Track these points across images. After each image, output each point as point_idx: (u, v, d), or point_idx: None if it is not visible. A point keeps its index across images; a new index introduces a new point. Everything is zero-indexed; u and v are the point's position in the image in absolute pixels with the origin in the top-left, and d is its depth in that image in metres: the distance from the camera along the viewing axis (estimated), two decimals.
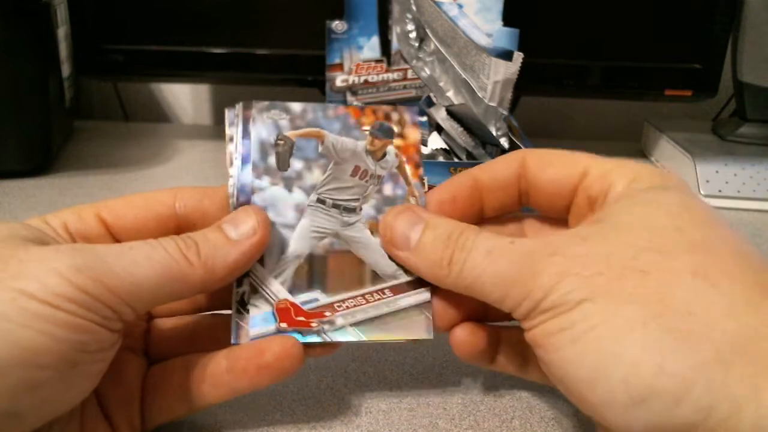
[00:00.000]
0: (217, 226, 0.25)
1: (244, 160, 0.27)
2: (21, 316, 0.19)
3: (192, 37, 0.60)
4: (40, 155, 0.55)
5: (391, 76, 0.57)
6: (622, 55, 0.59)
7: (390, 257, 0.26)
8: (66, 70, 0.59)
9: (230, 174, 0.27)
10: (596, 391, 0.20)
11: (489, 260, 0.23)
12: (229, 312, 0.26)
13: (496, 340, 0.27)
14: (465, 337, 0.26)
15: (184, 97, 0.80)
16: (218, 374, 0.25)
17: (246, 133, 0.28)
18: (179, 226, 0.26)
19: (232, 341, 0.25)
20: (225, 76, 0.63)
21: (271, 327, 0.25)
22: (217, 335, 0.26)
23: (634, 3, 0.58)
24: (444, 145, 0.46)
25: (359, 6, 0.56)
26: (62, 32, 0.57)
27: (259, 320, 0.25)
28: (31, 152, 0.54)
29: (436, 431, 0.27)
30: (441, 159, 0.44)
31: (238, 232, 0.24)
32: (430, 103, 0.48)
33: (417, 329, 0.26)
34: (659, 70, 0.59)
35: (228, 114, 0.28)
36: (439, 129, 0.47)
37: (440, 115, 0.46)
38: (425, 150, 0.46)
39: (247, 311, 0.25)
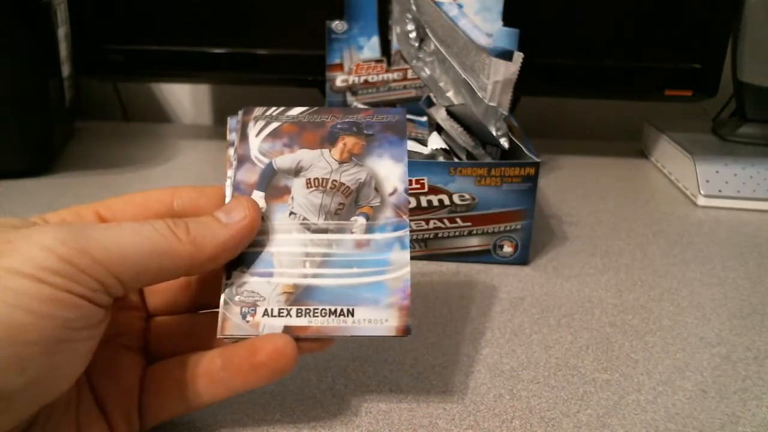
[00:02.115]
0: (210, 214, 0.25)
1: (242, 161, 0.28)
2: (4, 294, 0.19)
3: (192, 37, 0.60)
4: (41, 155, 0.55)
5: (391, 76, 0.58)
6: (622, 55, 0.60)
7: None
8: (66, 70, 0.59)
9: (228, 176, 0.28)
10: None
11: None
12: None
13: None
14: None
15: (184, 97, 0.80)
16: (214, 372, 0.25)
17: (244, 136, 0.29)
18: None
19: (218, 334, 0.25)
20: (225, 76, 0.63)
21: (258, 320, 0.25)
22: (216, 333, 0.27)
23: (634, 3, 0.58)
24: (444, 145, 0.46)
25: (359, 6, 0.56)
26: (62, 32, 0.57)
27: (246, 313, 0.25)
28: (32, 152, 0.54)
29: (436, 431, 0.27)
30: (441, 159, 0.44)
31: (229, 218, 0.25)
32: (430, 103, 0.48)
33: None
34: (659, 70, 0.59)
35: (229, 121, 0.29)
36: (439, 129, 0.47)
37: (440, 115, 0.46)
38: (425, 150, 0.46)
39: (236, 304, 0.25)
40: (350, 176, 0.28)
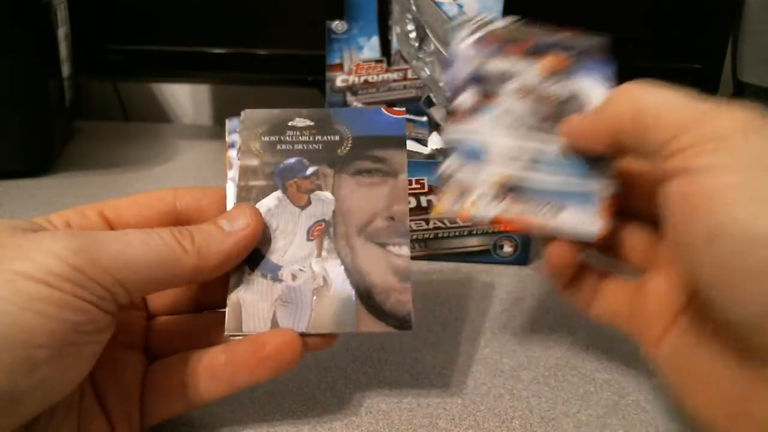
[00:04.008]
0: (212, 221, 0.25)
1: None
2: (17, 298, 0.19)
3: (192, 37, 0.60)
4: (41, 155, 0.55)
5: (391, 76, 0.57)
6: (622, 56, 0.59)
7: None
8: (66, 70, 0.59)
9: (229, 177, 0.28)
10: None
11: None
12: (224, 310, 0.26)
13: (580, 271, 0.29)
14: (559, 250, 0.28)
15: (184, 97, 0.80)
16: (217, 368, 0.25)
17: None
18: (179, 223, 0.27)
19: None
20: (225, 76, 0.63)
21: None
22: (217, 332, 0.27)
23: (633, 3, 0.58)
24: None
25: (359, 6, 0.56)
26: (62, 32, 0.57)
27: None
28: (32, 152, 0.54)
29: (436, 431, 0.27)
30: (441, 159, 0.44)
31: (232, 226, 0.25)
32: (430, 103, 0.48)
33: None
34: (659, 70, 0.59)
35: (228, 123, 0.29)
36: (439, 129, 0.47)
37: (440, 115, 0.46)
38: (425, 150, 0.46)
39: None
40: (555, 90, 0.29)
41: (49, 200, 0.50)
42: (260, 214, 0.26)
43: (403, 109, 0.30)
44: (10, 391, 0.19)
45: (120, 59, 0.60)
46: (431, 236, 0.41)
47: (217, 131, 0.72)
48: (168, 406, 0.25)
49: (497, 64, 0.29)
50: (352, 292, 0.26)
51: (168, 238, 0.23)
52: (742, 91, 0.61)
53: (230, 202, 0.28)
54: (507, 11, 0.54)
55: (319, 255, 0.27)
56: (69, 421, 0.23)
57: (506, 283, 0.40)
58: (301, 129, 0.29)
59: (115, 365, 0.25)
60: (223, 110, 0.80)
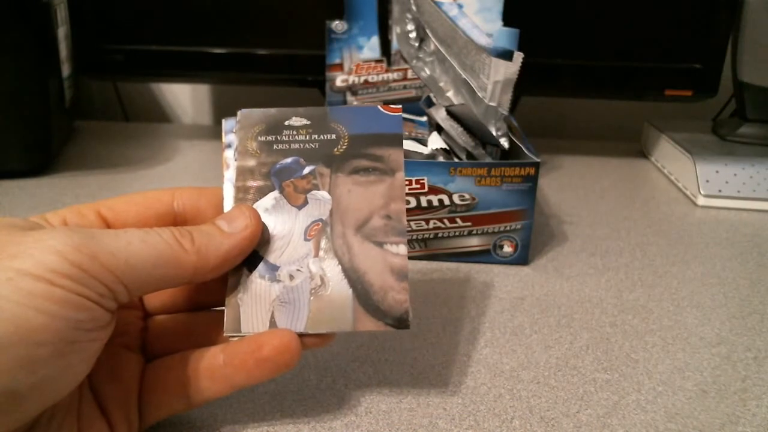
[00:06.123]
0: (212, 222, 0.25)
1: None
2: (17, 295, 0.19)
3: (192, 37, 0.60)
4: (41, 155, 0.55)
5: (391, 76, 0.57)
6: (622, 55, 0.60)
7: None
8: (66, 70, 0.59)
9: (226, 177, 0.28)
10: None
11: None
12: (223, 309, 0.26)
13: None
14: None
15: (184, 97, 0.80)
16: (216, 368, 0.25)
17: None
18: (176, 223, 0.27)
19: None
20: (225, 76, 0.63)
21: None
22: (214, 332, 0.27)
23: (634, 3, 0.58)
24: (444, 145, 0.46)
25: (359, 6, 0.56)
26: (62, 32, 0.57)
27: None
28: (32, 152, 0.54)
29: (436, 431, 0.27)
30: (441, 159, 0.44)
31: (231, 227, 0.25)
32: (430, 103, 0.48)
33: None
34: (659, 70, 0.59)
35: (225, 123, 0.29)
36: (439, 129, 0.47)
37: (440, 115, 0.46)
38: (425, 150, 0.46)
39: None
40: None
41: (49, 200, 0.50)
42: (259, 215, 0.26)
43: (400, 106, 0.29)
44: (10, 389, 0.19)
45: (120, 59, 0.60)
46: (431, 236, 0.41)
47: (216, 131, 0.72)
48: (166, 406, 0.25)
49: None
50: (350, 292, 0.26)
51: (168, 237, 0.23)
52: (742, 91, 0.61)
53: (227, 202, 0.28)
54: (507, 11, 0.54)
55: (316, 255, 0.27)
56: (68, 424, 0.23)
57: (506, 283, 0.40)
58: (298, 128, 0.29)
59: (113, 366, 0.25)
60: (223, 110, 0.80)
